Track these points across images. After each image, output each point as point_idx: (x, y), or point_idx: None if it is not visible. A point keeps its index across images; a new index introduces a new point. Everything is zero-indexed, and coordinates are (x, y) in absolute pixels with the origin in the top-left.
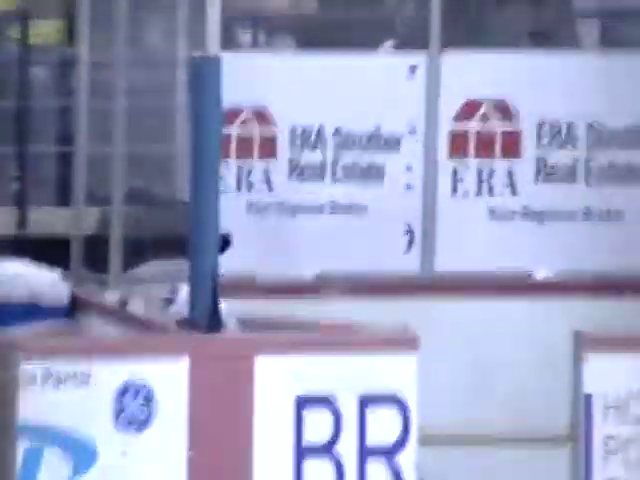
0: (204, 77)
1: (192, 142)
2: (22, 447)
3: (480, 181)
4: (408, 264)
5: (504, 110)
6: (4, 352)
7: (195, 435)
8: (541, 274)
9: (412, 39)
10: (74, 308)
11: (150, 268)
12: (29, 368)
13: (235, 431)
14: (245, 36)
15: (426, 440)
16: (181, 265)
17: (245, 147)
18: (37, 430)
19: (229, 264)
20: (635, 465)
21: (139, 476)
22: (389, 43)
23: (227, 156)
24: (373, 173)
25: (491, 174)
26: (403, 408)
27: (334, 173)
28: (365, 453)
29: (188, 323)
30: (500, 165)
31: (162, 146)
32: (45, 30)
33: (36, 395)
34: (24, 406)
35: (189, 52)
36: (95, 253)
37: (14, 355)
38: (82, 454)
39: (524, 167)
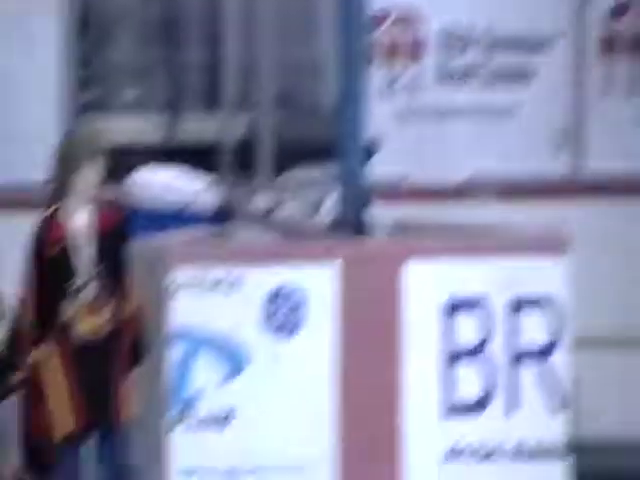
0: None
1: (339, 47)
2: (176, 350)
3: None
4: (558, 166)
5: None
6: (158, 258)
7: (345, 340)
8: None
9: None
10: (224, 214)
11: (299, 174)
12: (182, 272)
13: (385, 335)
14: None
15: (582, 343)
16: (330, 171)
17: (392, 51)
18: (191, 334)
19: (378, 169)
20: None
21: (291, 380)
22: None
23: (374, 60)
24: (522, 75)
25: None
26: (554, 310)
27: (483, 76)
28: (516, 356)
29: (338, 228)
30: None
31: (310, 51)
32: None
33: (189, 299)
34: (177, 310)
35: None
36: (244, 159)
37: (168, 260)
38: (235, 357)
39: None
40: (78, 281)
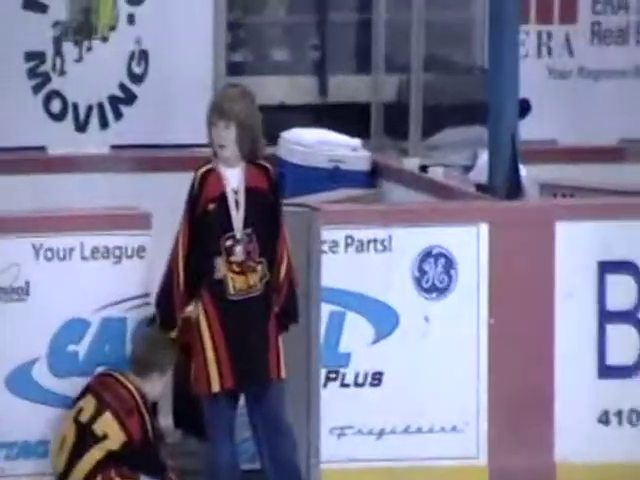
0: None
1: (491, 7)
2: (326, 310)
3: None
4: None
5: None
6: (307, 218)
7: (495, 302)
8: None
9: None
10: (374, 174)
11: (449, 135)
12: (332, 234)
13: (535, 298)
14: None
15: None
16: (480, 132)
17: (545, 11)
18: (340, 294)
19: (529, 130)
20: None
21: (440, 342)
22: None
23: (526, 21)
24: None
25: None
26: None
27: (637, 36)
28: None
29: (487, 189)
30: None
31: (460, 12)
32: None
33: (338, 260)
34: (327, 271)
35: None
36: (394, 120)
37: (317, 221)
38: (384, 318)
39: None
40: (231, 238)
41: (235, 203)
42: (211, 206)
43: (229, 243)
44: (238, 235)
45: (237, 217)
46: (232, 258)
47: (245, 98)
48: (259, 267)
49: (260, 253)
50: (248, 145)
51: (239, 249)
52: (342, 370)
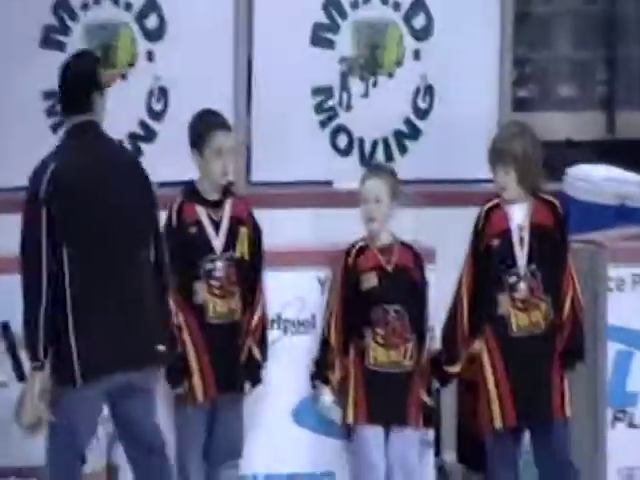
0: None
1: None
2: (613, 349)
3: None
4: None
5: None
6: (593, 255)
7: None
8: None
9: None
10: None
11: None
12: (618, 271)
13: None
14: None
15: None
16: None
17: None
18: (627, 333)
19: None
20: None
21: None
22: None
23: None
24: None
25: None
26: None
27: None
28: None
29: None
30: None
31: None
32: None
33: (625, 298)
34: (613, 309)
35: None
36: None
37: (603, 258)
38: None
39: None
40: (514, 275)
41: (519, 239)
42: (495, 242)
43: (513, 280)
44: (522, 271)
45: (521, 253)
46: (515, 294)
47: (524, 136)
48: (543, 305)
49: (544, 290)
50: (529, 182)
51: (523, 286)
52: (630, 410)
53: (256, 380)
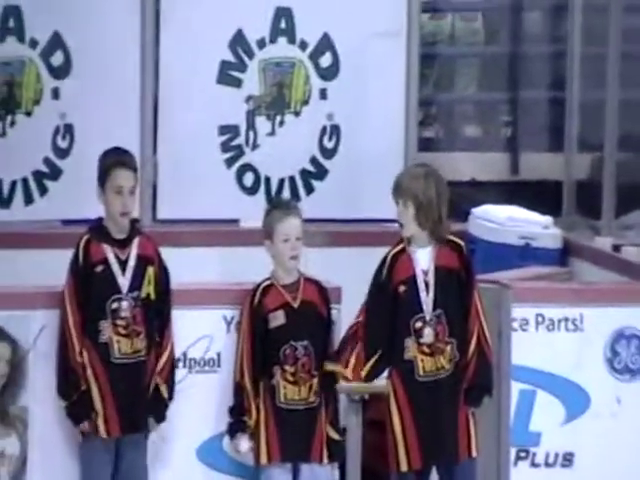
0: None
1: None
2: (517, 388)
3: None
4: None
5: None
6: (498, 295)
7: None
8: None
9: None
10: (566, 253)
11: None
12: (522, 311)
13: None
14: None
15: None
16: None
17: None
18: (531, 373)
19: None
20: None
21: (632, 424)
22: None
23: None
24: None
25: None
26: None
27: None
28: None
29: None
30: None
31: None
32: None
33: (529, 338)
34: (518, 349)
35: None
36: (587, 199)
37: (508, 298)
38: (575, 399)
39: None
40: (420, 320)
41: (425, 285)
42: (402, 288)
43: (419, 325)
44: (427, 317)
45: (427, 299)
46: (421, 340)
47: (427, 179)
48: (448, 348)
49: (449, 334)
50: (430, 225)
51: (428, 331)
52: (532, 449)
53: (161, 417)
